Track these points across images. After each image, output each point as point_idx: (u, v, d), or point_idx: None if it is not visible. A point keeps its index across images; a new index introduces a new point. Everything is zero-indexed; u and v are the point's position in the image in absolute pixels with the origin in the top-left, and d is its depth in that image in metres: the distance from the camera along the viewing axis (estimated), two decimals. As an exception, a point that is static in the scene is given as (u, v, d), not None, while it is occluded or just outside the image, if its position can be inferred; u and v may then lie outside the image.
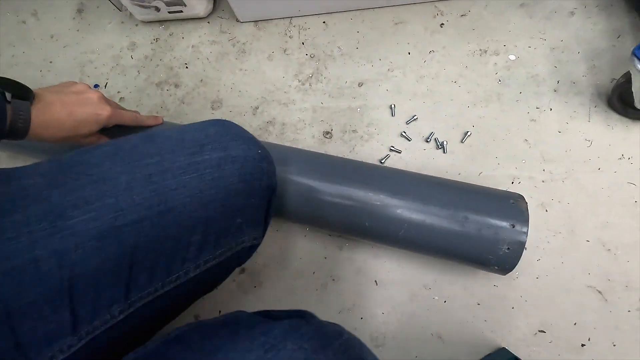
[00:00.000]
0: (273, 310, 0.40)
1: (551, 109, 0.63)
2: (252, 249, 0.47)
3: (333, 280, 0.61)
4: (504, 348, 0.55)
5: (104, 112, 0.50)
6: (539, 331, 0.56)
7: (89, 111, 0.48)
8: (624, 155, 0.60)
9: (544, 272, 0.57)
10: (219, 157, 0.39)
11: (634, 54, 0.52)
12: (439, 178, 0.54)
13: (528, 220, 0.48)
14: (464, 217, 0.49)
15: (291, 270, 0.63)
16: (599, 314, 0.55)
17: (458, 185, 0.53)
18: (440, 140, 0.64)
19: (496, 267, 0.50)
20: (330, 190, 0.52)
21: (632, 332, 0.54)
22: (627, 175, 0.59)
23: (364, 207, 0.51)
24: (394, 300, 0.59)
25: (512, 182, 0.61)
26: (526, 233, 0.47)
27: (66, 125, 0.46)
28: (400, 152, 0.65)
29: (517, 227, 0.48)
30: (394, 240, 0.52)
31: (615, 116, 0.61)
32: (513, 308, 0.57)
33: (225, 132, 0.42)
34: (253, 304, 0.62)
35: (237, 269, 0.63)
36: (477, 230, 0.49)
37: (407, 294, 0.59)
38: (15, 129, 0.41)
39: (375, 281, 0.60)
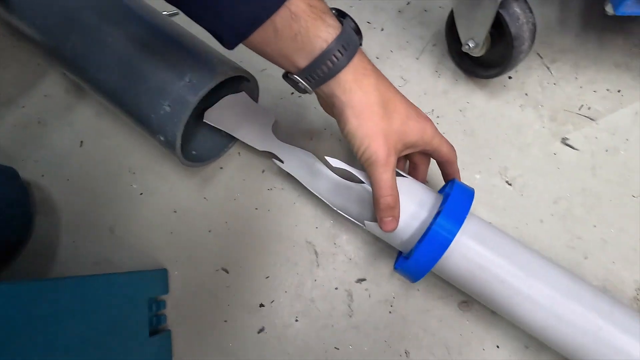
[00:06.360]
0: None
1: (382, 29, 0.49)
2: None
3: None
4: (165, 269, 0.42)
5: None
6: (222, 269, 0.42)
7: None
8: (434, 112, 0.45)
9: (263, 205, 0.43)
10: None
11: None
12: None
13: (212, 81, 0.34)
14: (157, 59, 0.36)
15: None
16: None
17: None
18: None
19: (162, 138, 0.37)
20: None
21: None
22: (424, 134, 0.45)
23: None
24: (82, 163, 0.46)
25: (282, 98, 0.47)
26: (198, 95, 0.34)
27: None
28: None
29: (194, 83, 0.34)
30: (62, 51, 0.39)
31: (449, 64, 0.47)
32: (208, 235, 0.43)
33: None
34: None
35: None
36: (152, 73, 0.36)
37: (106, 171, 0.46)
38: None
39: (81, 141, 0.48)
